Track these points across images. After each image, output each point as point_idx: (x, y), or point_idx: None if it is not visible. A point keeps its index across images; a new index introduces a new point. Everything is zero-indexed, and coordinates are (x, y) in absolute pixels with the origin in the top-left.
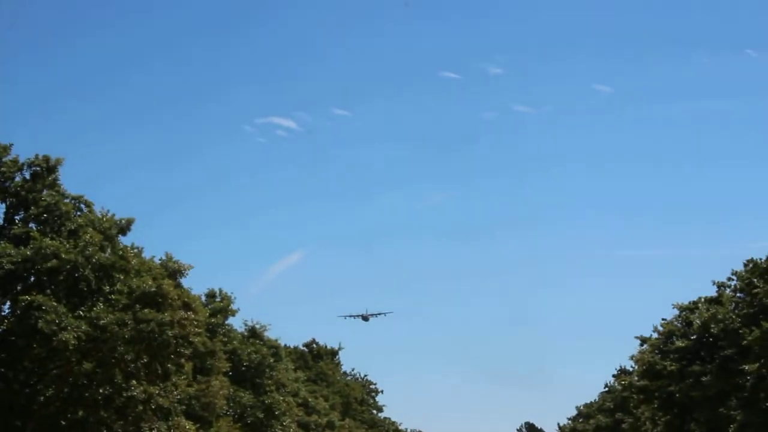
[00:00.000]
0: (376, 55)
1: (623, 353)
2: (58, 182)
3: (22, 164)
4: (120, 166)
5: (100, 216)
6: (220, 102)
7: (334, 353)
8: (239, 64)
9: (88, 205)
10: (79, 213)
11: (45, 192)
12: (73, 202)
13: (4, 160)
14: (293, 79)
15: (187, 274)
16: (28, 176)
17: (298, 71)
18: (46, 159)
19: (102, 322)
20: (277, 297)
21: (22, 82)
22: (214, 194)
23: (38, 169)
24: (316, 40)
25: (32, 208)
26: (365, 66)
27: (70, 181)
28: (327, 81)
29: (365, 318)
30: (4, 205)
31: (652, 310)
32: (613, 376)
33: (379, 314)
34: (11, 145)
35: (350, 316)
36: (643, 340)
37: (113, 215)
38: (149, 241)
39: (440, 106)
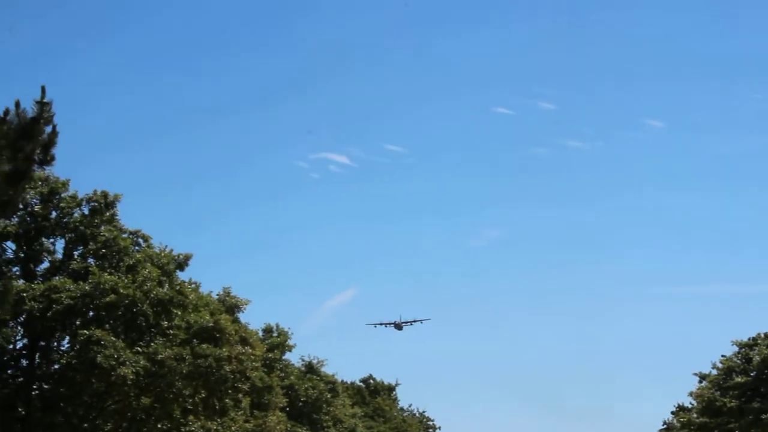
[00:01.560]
0: (428, 91)
1: (681, 390)
2: (117, 217)
3: (81, 200)
4: (176, 203)
5: (158, 251)
6: (273, 138)
7: (391, 389)
8: (291, 98)
9: (146, 240)
10: (137, 248)
11: (103, 227)
12: (131, 237)
13: (63, 195)
14: (345, 114)
15: (244, 309)
16: (86, 211)
17: (349, 106)
18: (105, 194)
19: (160, 357)
20: (332, 332)
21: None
22: (268, 230)
23: (96, 204)
24: (369, 76)
25: (91, 243)
26: (417, 102)
27: (128, 216)
28: (379, 116)
29: (398, 326)
30: (63, 241)
31: (711, 346)
32: (672, 413)
33: (414, 321)
34: (69, 180)
35: (380, 324)
36: (702, 377)
37: (171, 250)
38: (207, 276)
39: (492, 142)
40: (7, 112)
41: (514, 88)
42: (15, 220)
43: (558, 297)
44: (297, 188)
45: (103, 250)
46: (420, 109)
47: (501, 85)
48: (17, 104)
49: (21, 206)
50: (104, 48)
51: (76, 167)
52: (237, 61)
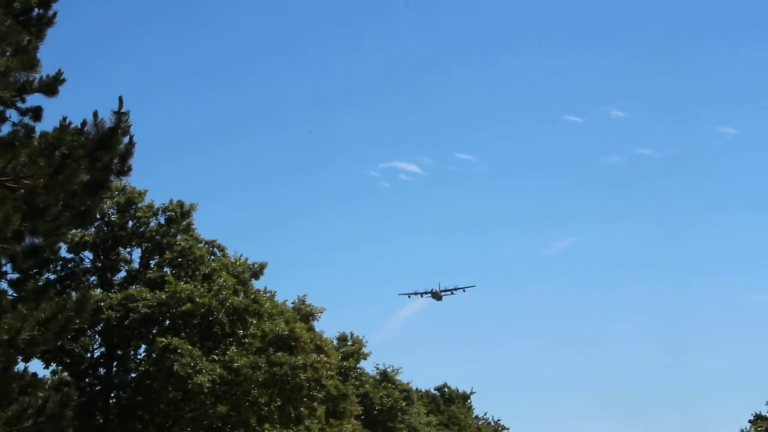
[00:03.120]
0: (498, 100)
1: (758, 399)
2: (192, 227)
3: (157, 209)
4: (246, 206)
5: (233, 260)
6: (345, 148)
7: (466, 397)
8: (360, 107)
9: (221, 249)
10: (212, 257)
11: (179, 237)
12: (206, 246)
13: (139, 205)
14: (416, 123)
15: (319, 317)
16: (162, 221)
17: (420, 115)
18: (181, 204)
19: (236, 365)
20: (407, 340)
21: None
22: (339, 238)
23: (173, 214)
24: (440, 85)
25: (167, 252)
26: (487, 110)
27: (204, 226)
28: (450, 125)
29: (436, 295)
30: (139, 250)
31: None
32: (750, 421)
33: (456, 289)
34: (146, 191)
35: (415, 293)
36: None
37: (246, 259)
38: (279, 283)
39: (563, 150)
40: (84, 123)
41: (584, 96)
42: (92, 229)
43: (637, 307)
44: (368, 196)
45: (179, 260)
46: (490, 118)
47: (571, 92)
48: (95, 114)
49: (98, 216)
50: (173, 47)
51: (146, 169)
52: (308, 67)
